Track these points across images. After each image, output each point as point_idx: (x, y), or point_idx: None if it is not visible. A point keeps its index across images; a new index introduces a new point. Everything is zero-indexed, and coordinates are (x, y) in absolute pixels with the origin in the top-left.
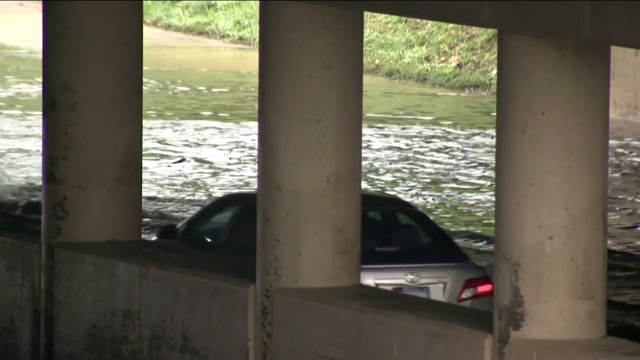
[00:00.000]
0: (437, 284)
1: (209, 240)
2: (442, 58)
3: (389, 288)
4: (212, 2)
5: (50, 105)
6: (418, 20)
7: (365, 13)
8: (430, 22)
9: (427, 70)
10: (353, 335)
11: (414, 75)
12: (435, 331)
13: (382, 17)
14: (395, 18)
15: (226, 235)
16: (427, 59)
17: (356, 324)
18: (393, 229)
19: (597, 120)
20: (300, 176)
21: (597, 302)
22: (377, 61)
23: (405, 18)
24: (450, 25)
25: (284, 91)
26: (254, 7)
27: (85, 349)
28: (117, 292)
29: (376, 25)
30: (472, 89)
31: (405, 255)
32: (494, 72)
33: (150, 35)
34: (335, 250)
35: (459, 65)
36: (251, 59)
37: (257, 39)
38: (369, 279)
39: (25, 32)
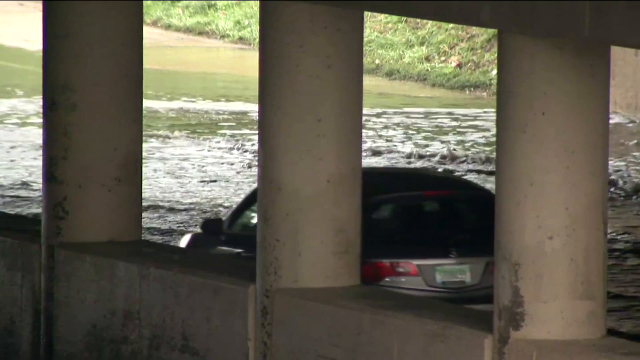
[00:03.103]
0: None
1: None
2: (442, 58)
3: None
4: (212, 2)
5: (50, 105)
6: (418, 20)
7: (365, 13)
8: (430, 22)
9: (427, 70)
10: (353, 335)
11: (414, 75)
12: (435, 331)
13: (382, 17)
14: (395, 18)
15: None
16: (427, 59)
17: (356, 324)
18: None
19: (597, 120)
20: (300, 176)
21: (597, 302)
22: (377, 61)
23: (405, 18)
24: (450, 25)
25: (283, 91)
26: (254, 7)
27: (85, 349)
28: (117, 292)
29: (376, 25)
30: (472, 89)
31: None
32: (494, 72)
33: (150, 35)
34: (336, 250)
35: (459, 65)
36: (251, 59)
37: (257, 39)
38: None
39: (25, 32)
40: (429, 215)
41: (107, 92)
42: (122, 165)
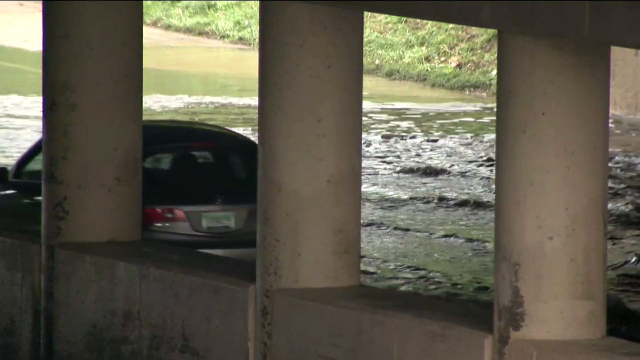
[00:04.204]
0: None
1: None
2: (442, 58)
3: None
4: (212, 2)
5: (50, 105)
6: (418, 20)
7: (365, 13)
8: (430, 22)
9: (427, 70)
10: (353, 335)
11: (414, 76)
12: (435, 331)
13: (382, 17)
14: (395, 18)
15: None
16: (427, 59)
17: (356, 324)
18: None
19: (597, 120)
20: (300, 176)
21: (597, 302)
22: (377, 61)
23: (405, 18)
24: (450, 25)
25: (283, 91)
26: (254, 7)
27: (85, 349)
28: (117, 292)
29: (376, 25)
30: (472, 89)
31: None
32: (494, 72)
33: (150, 35)
34: (336, 250)
35: (459, 66)
36: (251, 59)
37: (257, 39)
38: None
39: (25, 32)
40: (199, 165)
41: (107, 92)
42: (122, 165)
